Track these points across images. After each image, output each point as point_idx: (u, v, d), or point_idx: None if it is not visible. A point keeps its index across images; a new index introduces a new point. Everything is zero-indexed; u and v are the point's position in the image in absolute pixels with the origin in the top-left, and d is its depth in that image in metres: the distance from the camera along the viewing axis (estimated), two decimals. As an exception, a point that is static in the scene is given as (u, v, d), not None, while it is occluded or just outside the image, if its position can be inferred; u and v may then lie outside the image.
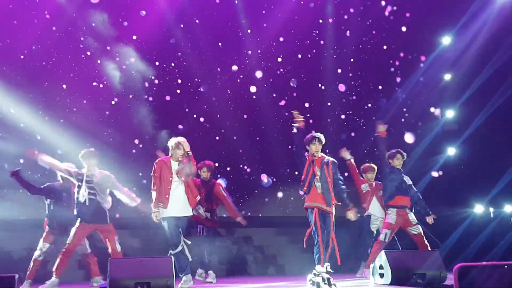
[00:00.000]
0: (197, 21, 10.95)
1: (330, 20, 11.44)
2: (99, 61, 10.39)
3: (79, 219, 7.37)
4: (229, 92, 11.15)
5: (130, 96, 10.47)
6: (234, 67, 11.11)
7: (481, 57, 10.52)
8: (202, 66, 10.94)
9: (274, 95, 11.35)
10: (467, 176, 10.66)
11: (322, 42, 11.53)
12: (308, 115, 11.12)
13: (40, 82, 10.16)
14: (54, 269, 7.30)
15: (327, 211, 6.69)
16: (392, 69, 11.59)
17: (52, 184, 7.87)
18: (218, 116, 11.04)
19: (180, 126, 10.56)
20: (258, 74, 11.19)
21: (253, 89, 11.18)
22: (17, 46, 10.17)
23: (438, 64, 11.23)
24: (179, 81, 11.04)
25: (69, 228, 7.50)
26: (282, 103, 11.33)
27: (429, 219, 8.12)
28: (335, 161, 6.94)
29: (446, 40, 11.21)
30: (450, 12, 11.02)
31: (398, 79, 11.57)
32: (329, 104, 11.41)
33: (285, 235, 11.12)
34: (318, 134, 6.86)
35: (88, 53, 10.41)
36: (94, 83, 10.42)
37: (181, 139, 7.31)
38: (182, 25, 10.90)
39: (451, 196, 10.75)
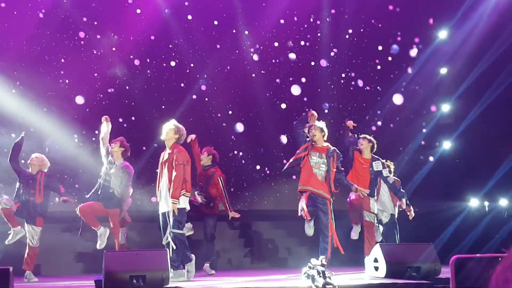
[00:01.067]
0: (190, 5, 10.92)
1: (332, 11, 11.41)
2: (95, 51, 10.34)
3: None
4: (226, 71, 11.08)
5: (125, 79, 10.43)
6: (245, 41, 11.04)
7: (477, 51, 10.51)
8: (198, 50, 10.89)
9: (271, 77, 11.28)
10: (463, 169, 10.68)
11: (319, 22, 11.46)
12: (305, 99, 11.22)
13: (38, 68, 10.09)
14: None
15: (326, 197, 6.91)
16: (389, 58, 11.57)
17: (24, 169, 7.80)
18: (212, 101, 10.97)
19: (163, 107, 10.47)
20: (255, 57, 11.12)
21: (255, 58, 11.08)
22: (13, 33, 10.11)
23: (434, 57, 11.23)
24: (173, 63, 10.95)
25: (35, 216, 7.50)
26: (277, 81, 11.29)
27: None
28: (339, 152, 7.11)
29: (442, 34, 11.21)
30: (447, 6, 11.00)
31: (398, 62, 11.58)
32: (329, 83, 11.37)
33: (281, 228, 11.10)
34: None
35: (82, 42, 10.37)
36: (91, 70, 10.37)
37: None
38: (186, 3, 10.82)
39: (446, 189, 10.76)
